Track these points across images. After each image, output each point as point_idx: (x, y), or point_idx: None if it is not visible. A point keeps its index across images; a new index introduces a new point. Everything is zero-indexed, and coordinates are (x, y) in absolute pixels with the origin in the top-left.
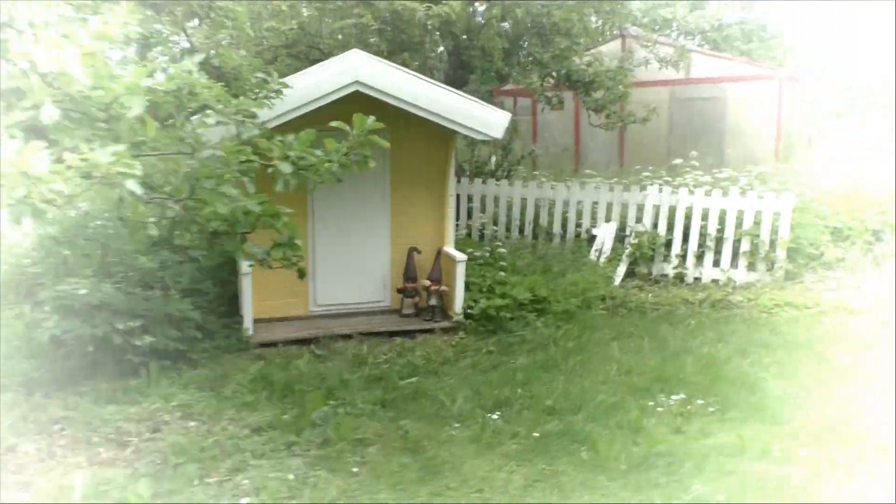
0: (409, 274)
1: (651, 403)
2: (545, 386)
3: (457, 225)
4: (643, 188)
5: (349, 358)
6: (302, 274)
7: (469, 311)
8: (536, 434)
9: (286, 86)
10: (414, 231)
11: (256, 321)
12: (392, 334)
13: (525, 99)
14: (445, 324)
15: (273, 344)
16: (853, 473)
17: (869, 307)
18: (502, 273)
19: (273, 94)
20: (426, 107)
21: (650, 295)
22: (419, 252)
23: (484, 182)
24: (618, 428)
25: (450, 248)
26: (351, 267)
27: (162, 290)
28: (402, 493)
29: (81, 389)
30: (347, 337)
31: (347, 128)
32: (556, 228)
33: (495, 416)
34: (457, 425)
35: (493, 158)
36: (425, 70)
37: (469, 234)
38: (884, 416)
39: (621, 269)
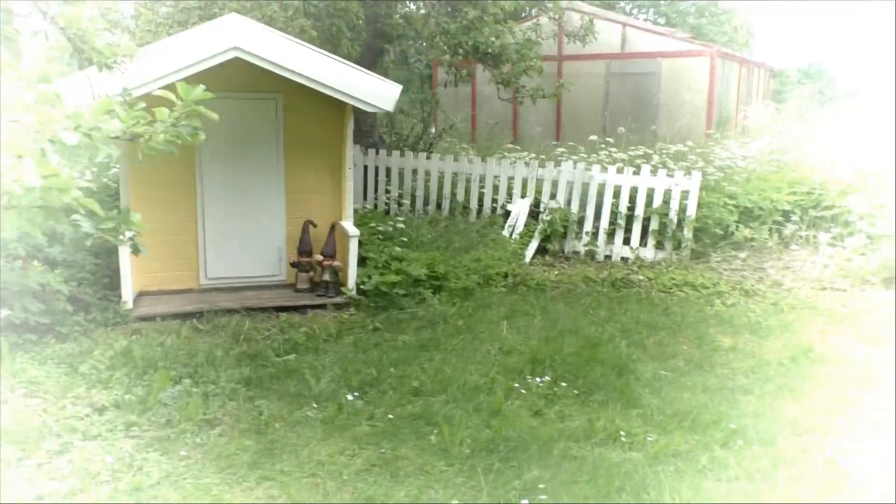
0: (304, 248)
1: (517, 385)
2: (419, 366)
3: (375, 197)
4: (557, 164)
5: (229, 334)
6: (136, 250)
7: (362, 286)
8: (391, 416)
9: (135, 50)
10: (310, 203)
11: (143, 294)
12: (282, 309)
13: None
14: (339, 300)
15: (153, 318)
16: (689, 460)
17: (765, 289)
18: (398, 248)
19: (125, 59)
20: (311, 76)
21: (554, 272)
22: (315, 225)
23: (402, 154)
24: (476, 411)
25: (345, 223)
26: (244, 238)
27: (25, 261)
28: (229, 477)
29: None
30: (235, 312)
31: (173, 97)
32: (473, 203)
33: (352, 397)
34: (315, 406)
35: (413, 130)
36: (358, 38)
37: (387, 210)
38: (742, 400)
39: (533, 246)
